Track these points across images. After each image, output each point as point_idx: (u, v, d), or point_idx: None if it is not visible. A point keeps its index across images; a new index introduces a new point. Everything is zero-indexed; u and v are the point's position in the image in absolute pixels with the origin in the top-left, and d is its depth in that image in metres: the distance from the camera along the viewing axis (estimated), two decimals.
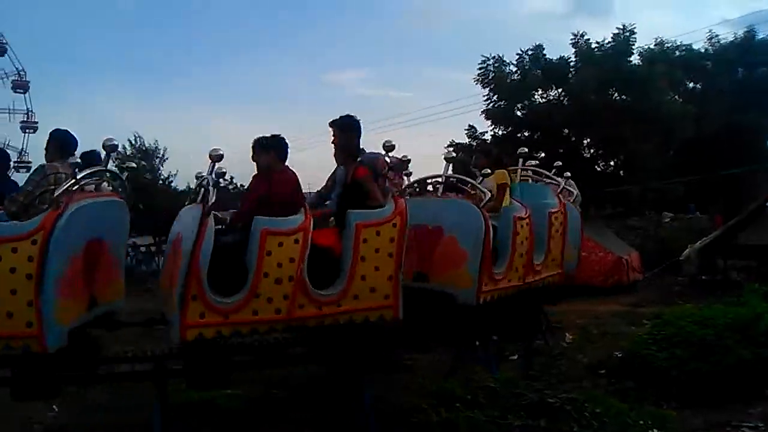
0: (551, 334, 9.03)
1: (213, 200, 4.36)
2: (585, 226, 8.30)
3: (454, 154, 5.52)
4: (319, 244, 4.67)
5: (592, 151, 23.74)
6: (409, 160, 5.78)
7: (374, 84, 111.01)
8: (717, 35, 26.70)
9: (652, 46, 25.05)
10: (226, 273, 4.32)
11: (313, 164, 52.49)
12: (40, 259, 3.85)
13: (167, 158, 28.83)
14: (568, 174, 7.55)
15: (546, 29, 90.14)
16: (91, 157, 5.24)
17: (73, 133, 5.09)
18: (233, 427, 5.58)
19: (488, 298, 5.51)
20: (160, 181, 26.45)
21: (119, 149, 29.64)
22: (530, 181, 7.43)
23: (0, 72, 44.71)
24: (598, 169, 23.65)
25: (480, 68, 22.95)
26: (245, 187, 6.76)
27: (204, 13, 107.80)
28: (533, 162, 7.26)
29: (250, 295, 4.36)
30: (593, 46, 22.24)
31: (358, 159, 5.34)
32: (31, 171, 4.99)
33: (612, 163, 24.29)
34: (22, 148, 43.78)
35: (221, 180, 5.42)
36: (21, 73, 45.15)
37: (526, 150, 7.84)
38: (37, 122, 45.46)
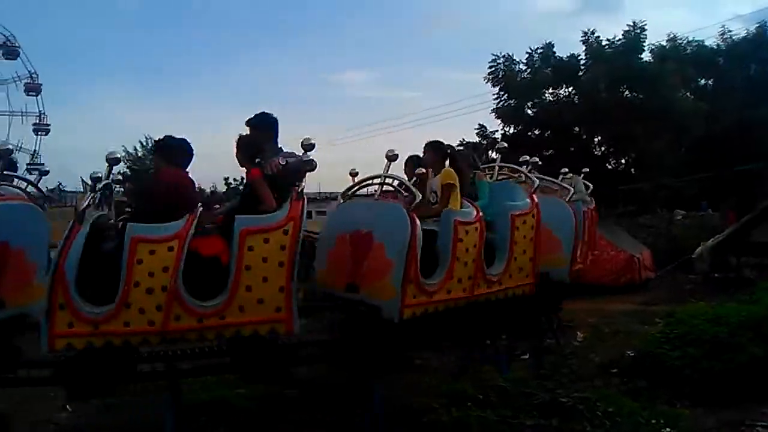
0: (562, 332, 8.97)
1: (85, 205, 4.24)
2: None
3: (396, 152, 5.16)
4: (205, 254, 4.38)
5: (603, 148, 23.70)
6: (311, 160, 4.67)
7: (380, 85, 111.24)
8: (729, 31, 26.63)
9: (663, 43, 25.01)
10: (106, 282, 4.14)
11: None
12: None
13: None
14: (586, 170, 7.30)
15: (556, 27, 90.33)
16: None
17: None
18: (245, 427, 5.60)
19: (418, 313, 4.90)
20: None
21: (131, 150, 30.16)
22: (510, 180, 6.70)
23: (13, 75, 45.37)
24: (610, 167, 23.63)
25: (490, 67, 23.03)
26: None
27: (211, 14, 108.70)
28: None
29: (119, 305, 4.11)
30: (604, 43, 22.21)
31: (257, 161, 4.93)
32: None
33: (623, 160, 24.26)
34: (35, 151, 44.39)
35: (114, 185, 5.15)
36: (33, 76, 45.80)
37: (506, 145, 7.46)
38: (49, 125, 46.14)
